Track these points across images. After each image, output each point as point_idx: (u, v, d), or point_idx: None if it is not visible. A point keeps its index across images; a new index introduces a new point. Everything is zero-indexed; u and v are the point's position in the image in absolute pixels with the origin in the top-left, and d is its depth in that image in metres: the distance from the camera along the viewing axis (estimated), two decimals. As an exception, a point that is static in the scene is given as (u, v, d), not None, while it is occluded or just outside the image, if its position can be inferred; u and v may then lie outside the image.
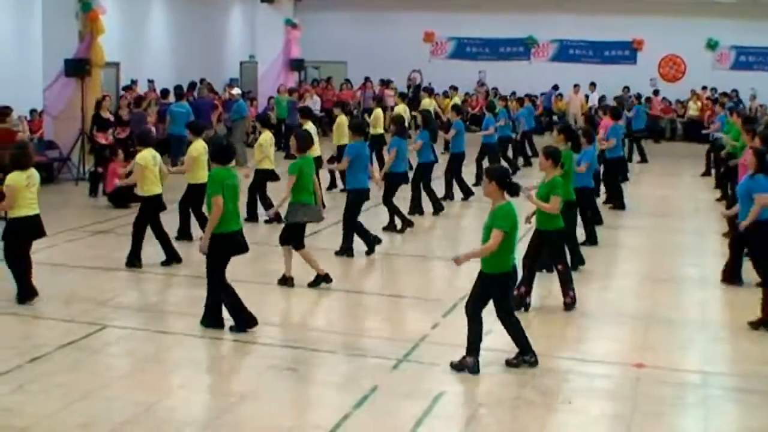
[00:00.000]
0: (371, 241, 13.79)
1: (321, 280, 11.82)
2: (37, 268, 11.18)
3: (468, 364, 8.81)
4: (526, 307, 10.92)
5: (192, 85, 26.39)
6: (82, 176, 19.66)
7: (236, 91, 27.31)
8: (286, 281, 11.82)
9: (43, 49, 20.24)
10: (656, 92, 33.32)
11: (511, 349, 9.16)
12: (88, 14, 20.04)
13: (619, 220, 17.53)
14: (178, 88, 21.65)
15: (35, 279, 10.97)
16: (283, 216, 12.27)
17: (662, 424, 8.05)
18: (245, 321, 9.96)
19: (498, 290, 8.85)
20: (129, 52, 26.80)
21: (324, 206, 12.50)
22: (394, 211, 15.39)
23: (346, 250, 13.57)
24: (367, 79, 34.26)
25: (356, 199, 13.46)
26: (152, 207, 12.69)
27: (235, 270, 11.14)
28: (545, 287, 11.73)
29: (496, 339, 9.82)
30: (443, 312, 10.73)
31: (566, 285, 11.14)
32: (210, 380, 8.94)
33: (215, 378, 9.04)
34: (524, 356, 9.04)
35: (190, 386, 8.69)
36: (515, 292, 10.94)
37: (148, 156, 12.62)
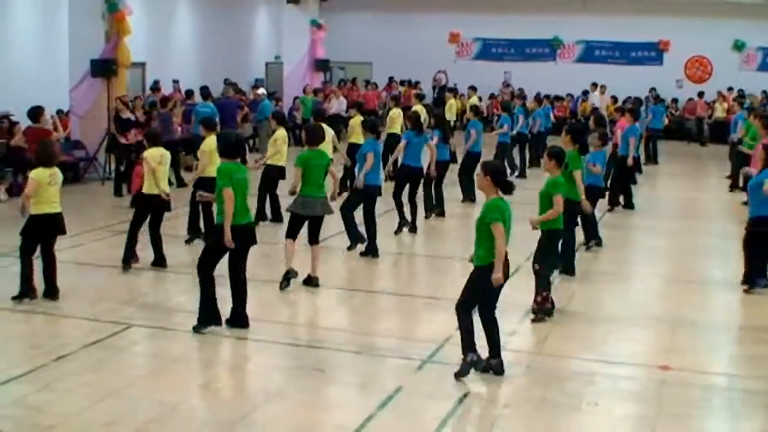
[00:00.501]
0: (356, 239, 13.70)
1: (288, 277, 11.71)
2: (63, 267, 11.25)
3: (492, 366, 8.78)
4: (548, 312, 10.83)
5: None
6: (108, 176, 19.76)
7: (261, 91, 27.38)
8: (310, 281, 11.80)
9: (69, 50, 20.36)
10: (701, 94, 33.02)
11: (538, 350, 9.13)
12: (114, 15, 20.12)
13: (643, 221, 17.43)
14: (203, 89, 21.71)
15: (61, 277, 11.05)
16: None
17: (687, 426, 8.01)
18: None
19: (484, 282, 8.56)
20: (155, 52, 26.89)
21: (334, 199, 12.35)
22: (398, 208, 15.17)
23: (370, 251, 13.56)
24: (391, 79, 34.25)
25: (368, 196, 13.45)
26: (147, 205, 12.60)
27: (257, 271, 11.21)
28: (569, 288, 11.71)
29: (521, 340, 9.83)
30: (467, 313, 10.67)
31: (539, 287, 10.66)
32: (235, 380, 8.97)
33: (240, 378, 9.06)
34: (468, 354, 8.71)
35: (215, 386, 8.73)
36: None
37: (156, 154, 12.57)
